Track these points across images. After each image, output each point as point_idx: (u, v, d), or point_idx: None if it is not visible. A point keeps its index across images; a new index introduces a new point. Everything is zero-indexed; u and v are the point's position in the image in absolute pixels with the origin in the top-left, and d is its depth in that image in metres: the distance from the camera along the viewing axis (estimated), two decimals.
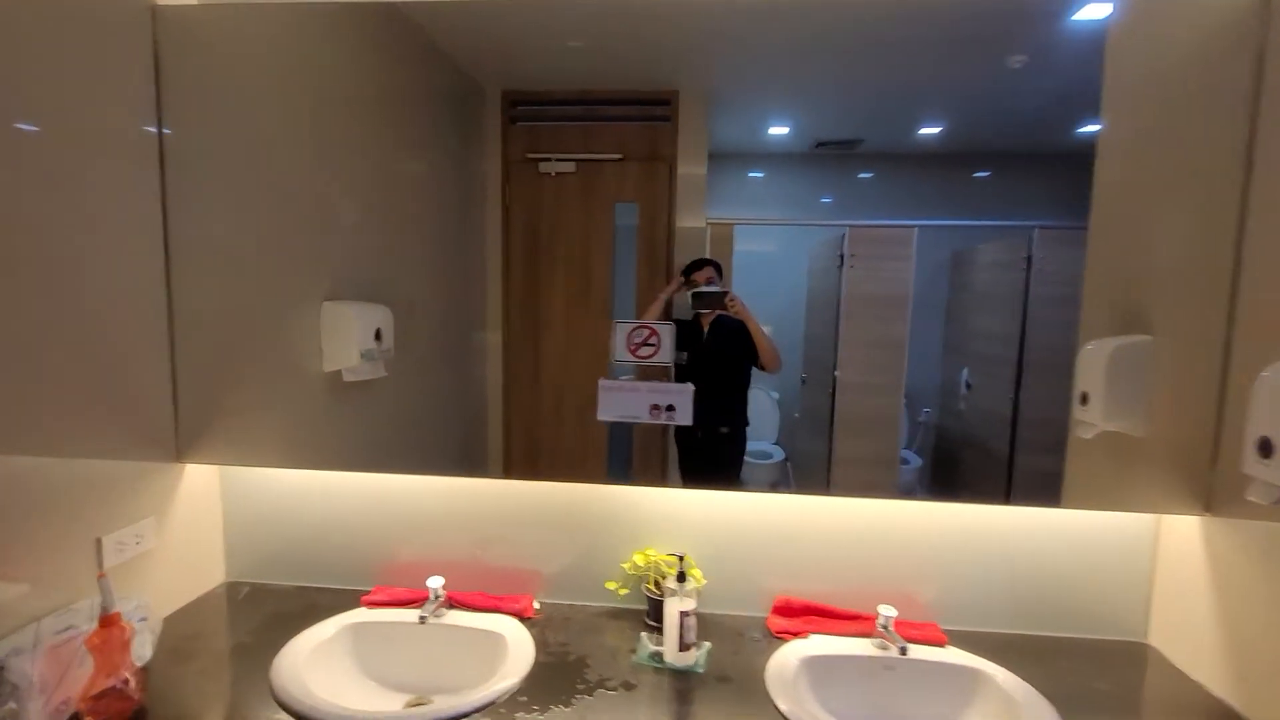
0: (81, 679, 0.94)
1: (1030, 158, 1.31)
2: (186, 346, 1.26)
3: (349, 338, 1.29)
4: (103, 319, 1.10)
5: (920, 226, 1.31)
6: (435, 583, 1.25)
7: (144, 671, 1.03)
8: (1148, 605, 1.25)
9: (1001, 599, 1.28)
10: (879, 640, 1.19)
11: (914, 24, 1.19)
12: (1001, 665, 1.14)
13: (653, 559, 1.29)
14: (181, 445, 1.28)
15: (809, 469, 1.41)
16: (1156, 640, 1.24)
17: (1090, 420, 1.15)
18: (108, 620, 0.95)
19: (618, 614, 1.32)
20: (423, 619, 1.20)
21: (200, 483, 1.38)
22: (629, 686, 1.08)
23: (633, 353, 1.25)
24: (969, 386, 1.36)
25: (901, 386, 1.32)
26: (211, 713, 1.00)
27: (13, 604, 0.97)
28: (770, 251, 1.39)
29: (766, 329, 1.32)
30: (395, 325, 1.33)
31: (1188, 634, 1.17)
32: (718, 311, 1.31)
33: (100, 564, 1.07)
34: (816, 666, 1.15)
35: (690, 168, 1.29)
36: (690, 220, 1.30)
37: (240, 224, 1.27)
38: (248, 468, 1.41)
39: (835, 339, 1.33)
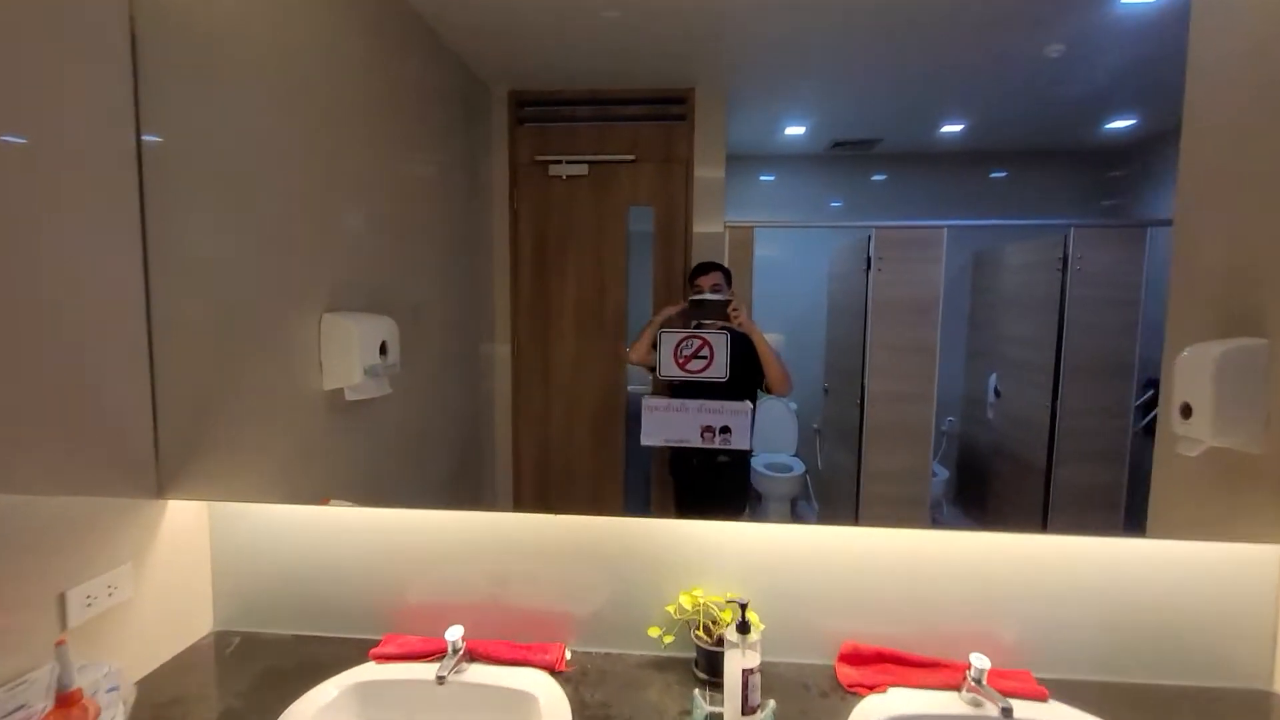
0: None
1: (1050, 155, 1.24)
2: (168, 366, 1.10)
3: (351, 352, 1.17)
4: (68, 335, 0.94)
5: (949, 227, 1.24)
6: (454, 634, 1.09)
7: None
8: (1274, 648, 1.09)
9: (1098, 641, 1.12)
10: (970, 695, 1.02)
11: (945, 7, 1.09)
12: None
13: (701, 601, 1.13)
14: (163, 479, 1.12)
15: (834, 483, 1.33)
16: None
17: (1194, 435, 1.00)
18: (66, 699, 0.80)
19: (662, 665, 1.16)
20: (441, 678, 1.03)
21: (185, 520, 1.21)
22: None
23: (682, 366, 1.10)
24: (998, 394, 1.28)
25: (933, 395, 1.25)
26: None
27: None
28: (787, 256, 1.32)
29: (771, 338, 1.21)
30: (400, 338, 1.23)
31: None
32: (720, 323, 1.17)
33: (63, 623, 0.91)
34: None
35: (707, 168, 1.23)
36: (708, 225, 1.23)
37: (230, 230, 1.12)
38: (239, 503, 1.25)
39: (863, 346, 1.25)
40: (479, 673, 1.09)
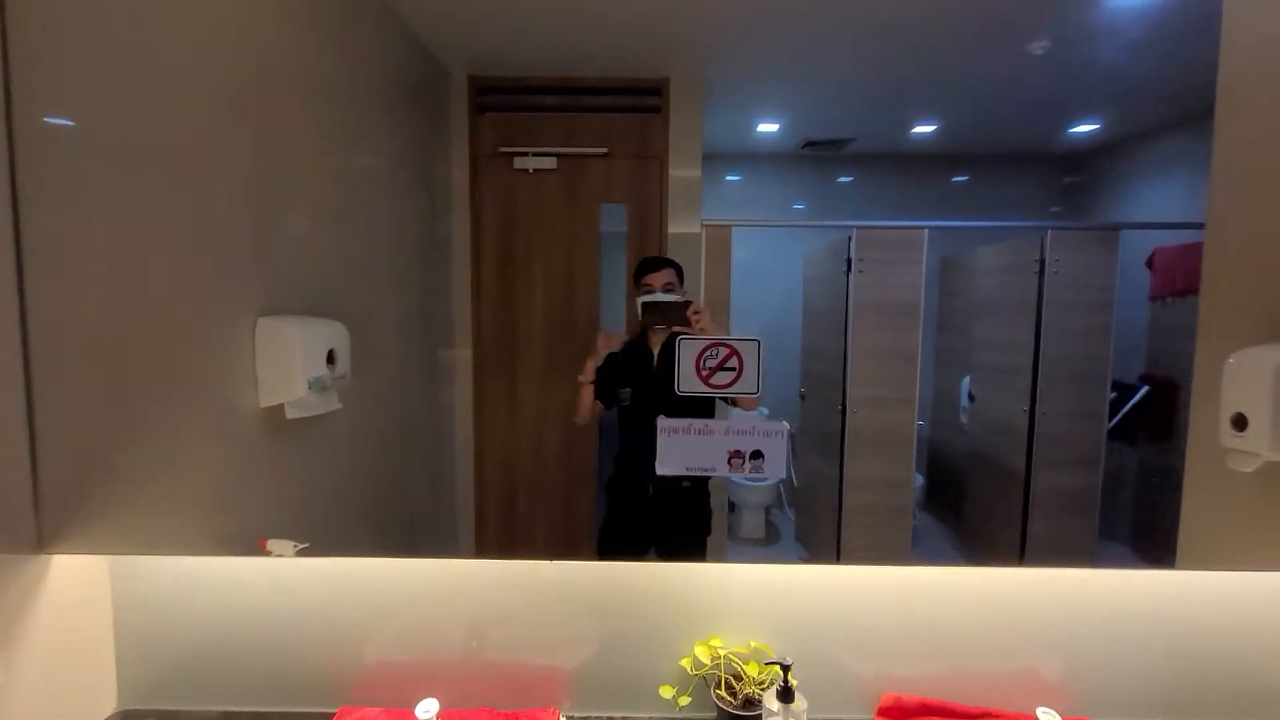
0: None
1: (1018, 158, 1.24)
2: (52, 386, 0.91)
3: (293, 362, 1.03)
4: None
5: (928, 228, 1.22)
6: (427, 711, 0.93)
7: None
8: None
9: (1159, 682, 1.05)
10: None
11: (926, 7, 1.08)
12: None
13: (721, 654, 1.02)
14: (45, 529, 0.92)
15: (813, 491, 1.31)
16: None
17: (1250, 449, 0.91)
18: None
19: None
20: None
21: (77, 579, 1.01)
22: None
23: (705, 380, 0.99)
24: (972, 398, 1.28)
25: (915, 401, 1.23)
26: None
27: None
28: (760, 258, 1.28)
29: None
30: (351, 345, 1.10)
31: None
32: (675, 328, 1.07)
33: None
34: None
35: (683, 164, 1.18)
36: (683, 224, 1.18)
37: (141, 223, 0.94)
38: (148, 556, 1.05)
39: (844, 351, 1.22)
40: None
